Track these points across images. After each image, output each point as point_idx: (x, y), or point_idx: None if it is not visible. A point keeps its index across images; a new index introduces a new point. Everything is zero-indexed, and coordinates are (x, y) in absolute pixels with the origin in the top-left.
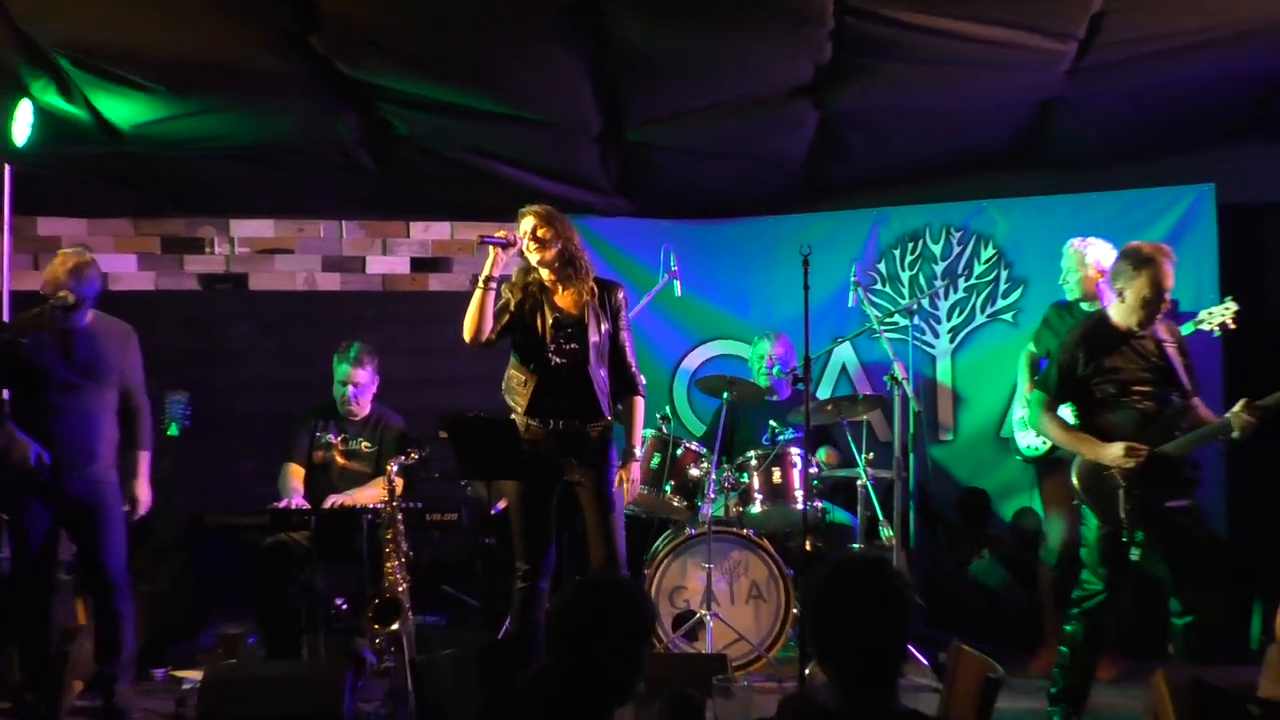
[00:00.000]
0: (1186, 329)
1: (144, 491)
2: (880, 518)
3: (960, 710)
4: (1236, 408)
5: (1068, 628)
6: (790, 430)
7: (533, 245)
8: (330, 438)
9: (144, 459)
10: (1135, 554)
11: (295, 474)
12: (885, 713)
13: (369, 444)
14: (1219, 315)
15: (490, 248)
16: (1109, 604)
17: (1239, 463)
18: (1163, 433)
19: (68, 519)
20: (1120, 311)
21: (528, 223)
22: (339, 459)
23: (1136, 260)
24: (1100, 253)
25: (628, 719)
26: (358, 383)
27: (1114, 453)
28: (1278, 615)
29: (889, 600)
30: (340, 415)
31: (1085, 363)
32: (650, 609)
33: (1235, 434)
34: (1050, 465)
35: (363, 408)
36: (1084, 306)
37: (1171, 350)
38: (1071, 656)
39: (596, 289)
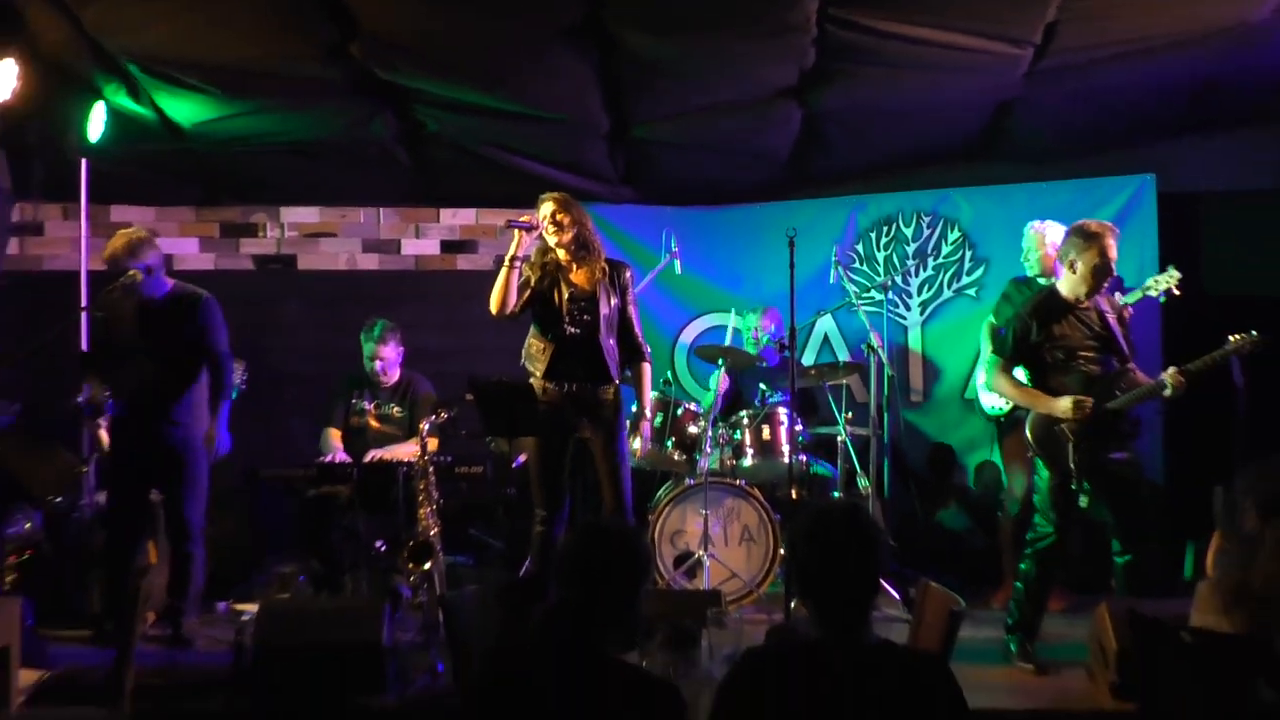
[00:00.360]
0: (1134, 296)
1: (218, 435)
2: (858, 470)
3: (927, 639)
4: (1169, 371)
5: (1022, 566)
6: (778, 393)
7: (552, 228)
8: (365, 404)
9: (221, 407)
10: (1084, 501)
11: (334, 436)
12: (859, 642)
13: (400, 409)
14: (1164, 282)
15: (515, 230)
16: (1058, 546)
17: (1175, 420)
18: (1105, 393)
19: (155, 470)
20: (1070, 283)
21: (548, 208)
22: (373, 423)
23: (1085, 235)
24: (1057, 235)
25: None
26: (383, 357)
27: (1063, 405)
28: (1209, 555)
29: (863, 543)
30: (373, 383)
31: (1037, 330)
32: (647, 553)
33: (1168, 392)
34: (1010, 424)
35: (391, 377)
36: (1041, 282)
37: (1112, 320)
38: (1025, 592)
39: (607, 268)
